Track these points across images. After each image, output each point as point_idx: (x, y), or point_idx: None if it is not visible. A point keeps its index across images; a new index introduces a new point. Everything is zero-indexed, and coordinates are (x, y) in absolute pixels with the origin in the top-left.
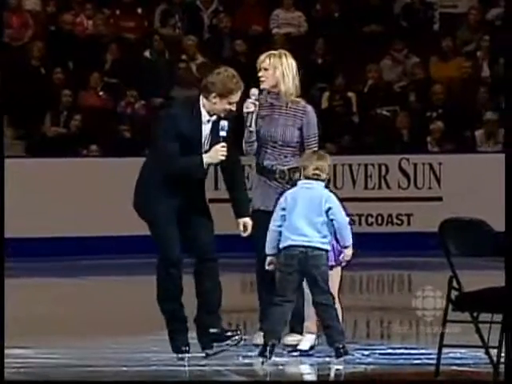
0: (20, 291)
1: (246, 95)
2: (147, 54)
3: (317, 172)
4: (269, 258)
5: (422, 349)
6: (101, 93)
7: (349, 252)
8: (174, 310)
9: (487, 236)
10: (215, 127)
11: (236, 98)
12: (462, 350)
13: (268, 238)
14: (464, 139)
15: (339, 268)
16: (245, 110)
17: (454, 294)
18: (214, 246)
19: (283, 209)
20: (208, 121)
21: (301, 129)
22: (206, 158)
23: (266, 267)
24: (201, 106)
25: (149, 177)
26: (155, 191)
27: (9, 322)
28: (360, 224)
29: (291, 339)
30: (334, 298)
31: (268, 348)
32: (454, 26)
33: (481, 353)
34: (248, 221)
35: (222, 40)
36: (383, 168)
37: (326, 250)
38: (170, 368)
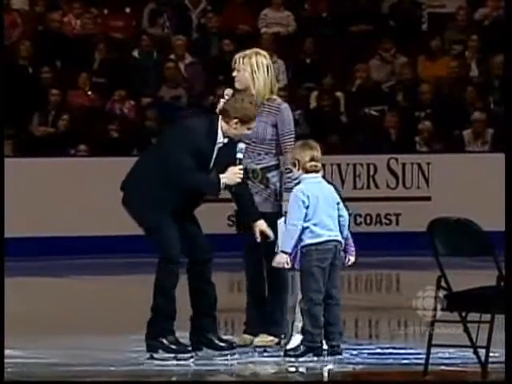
0: (8, 290)
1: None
2: (135, 53)
3: (313, 163)
4: (285, 256)
5: (411, 348)
6: (89, 92)
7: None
8: (166, 308)
9: (475, 235)
10: (225, 149)
11: (254, 124)
12: (451, 350)
13: (289, 236)
14: (452, 139)
15: None
16: (219, 109)
17: (442, 293)
18: (209, 247)
19: (307, 207)
20: (220, 142)
21: (275, 126)
22: (224, 179)
23: (279, 265)
24: (218, 127)
25: (148, 181)
26: (156, 197)
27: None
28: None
29: (261, 340)
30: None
31: (328, 349)
32: (442, 26)
33: (469, 352)
34: (262, 223)
35: (210, 39)
36: (372, 168)
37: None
38: (159, 368)
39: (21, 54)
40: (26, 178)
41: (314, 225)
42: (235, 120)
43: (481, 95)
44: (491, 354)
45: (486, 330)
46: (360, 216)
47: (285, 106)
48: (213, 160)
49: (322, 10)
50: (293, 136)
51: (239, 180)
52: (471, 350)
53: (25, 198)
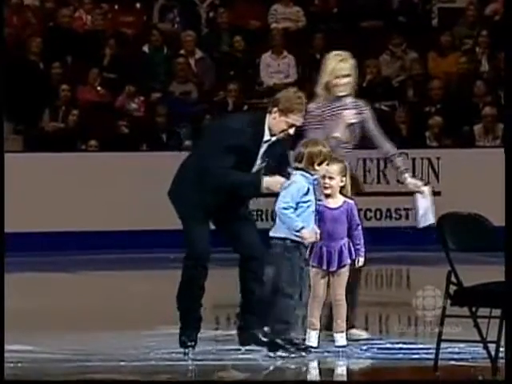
0: (13, 285)
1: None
2: (145, 49)
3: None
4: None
5: (421, 344)
6: (99, 88)
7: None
8: (190, 307)
9: (485, 231)
10: (270, 149)
11: (295, 119)
12: (461, 345)
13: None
14: (462, 134)
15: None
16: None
17: (452, 288)
18: (259, 245)
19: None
20: (267, 141)
21: None
22: (266, 183)
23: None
24: (266, 123)
25: (188, 175)
26: (192, 189)
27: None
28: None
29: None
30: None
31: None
32: (453, 22)
33: (479, 348)
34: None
35: (220, 35)
36: (381, 162)
37: None
38: (168, 363)
39: (31, 49)
40: (37, 173)
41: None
42: (275, 109)
43: (491, 90)
44: (502, 349)
45: (496, 326)
46: (370, 211)
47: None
48: (259, 158)
49: (332, 6)
50: None
51: (279, 191)
52: (481, 345)
53: (35, 193)
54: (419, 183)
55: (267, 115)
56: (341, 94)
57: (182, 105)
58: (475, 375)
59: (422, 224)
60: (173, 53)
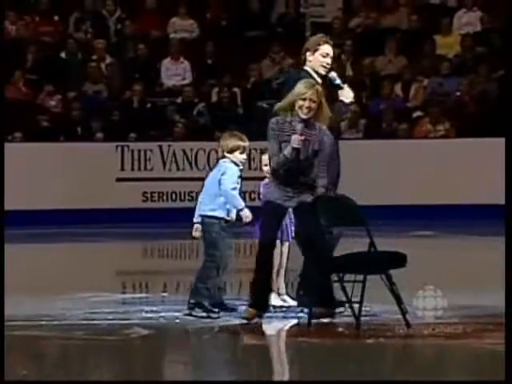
0: None
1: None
2: (63, 54)
3: None
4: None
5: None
6: (23, 87)
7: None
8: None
9: (349, 208)
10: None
11: (325, 48)
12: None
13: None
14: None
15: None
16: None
17: None
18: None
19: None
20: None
21: None
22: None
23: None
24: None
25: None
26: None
27: None
28: None
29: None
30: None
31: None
32: (322, 33)
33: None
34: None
35: (127, 43)
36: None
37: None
38: (83, 322)
39: None
40: None
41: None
42: (308, 53)
43: (355, 91)
44: (365, 309)
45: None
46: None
47: None
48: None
49: (222, 19)
50: None
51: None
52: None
53: None
54: None
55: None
56: (303, 116)
57: (94, 102)
58: (342, 331)
59: None
60: (86, 58)
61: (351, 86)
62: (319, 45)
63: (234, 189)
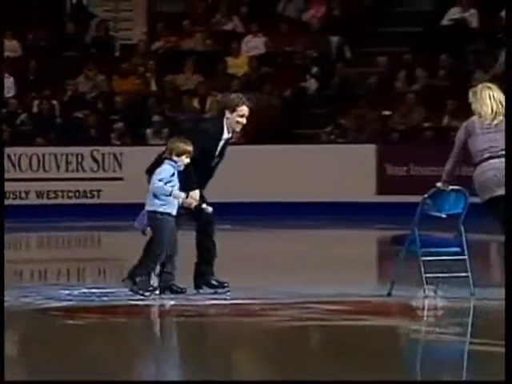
0: None
1: None
2: None
3: None
4: None
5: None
6: None
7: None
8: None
9: None
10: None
11: (243, 109)
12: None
13: None
14: (138, 135)
15: None
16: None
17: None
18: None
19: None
20: (226, 138)
21: None
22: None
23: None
24: (224, 125)
25: None
26: None
27: None
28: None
29: None
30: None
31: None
32: (130, 54)
33: None
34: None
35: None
36: (80, 156)
37: None
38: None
39: None
40: None
41: None
42: (226, 111)
43: (159, 104)
44: None
45: None
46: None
47: None
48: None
49: (41, 40)
50: None
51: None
52: None
53: None
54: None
55: (224, 119)
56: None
57: None
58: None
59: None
60: None
61: (157, 101)
62: (237, 105)
63: (161, 180)
